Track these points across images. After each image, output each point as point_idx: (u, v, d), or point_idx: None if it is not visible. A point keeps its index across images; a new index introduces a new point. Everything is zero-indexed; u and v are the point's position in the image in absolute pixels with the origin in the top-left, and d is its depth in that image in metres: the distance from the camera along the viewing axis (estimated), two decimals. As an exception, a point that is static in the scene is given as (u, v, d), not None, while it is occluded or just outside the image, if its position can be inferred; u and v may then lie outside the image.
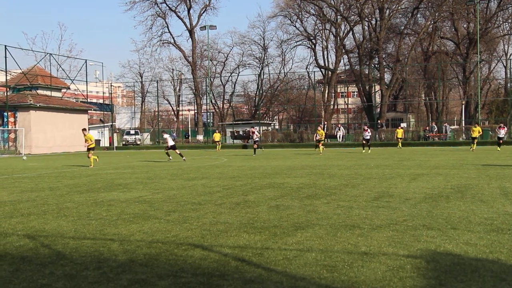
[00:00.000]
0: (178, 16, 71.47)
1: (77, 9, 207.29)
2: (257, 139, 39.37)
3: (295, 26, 76.46)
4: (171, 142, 31.15)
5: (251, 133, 41.56)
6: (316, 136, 39.63)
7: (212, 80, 79.42)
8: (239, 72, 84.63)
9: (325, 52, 78.28)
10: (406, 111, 75.73)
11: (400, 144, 45.61)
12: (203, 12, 71.20)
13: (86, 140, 26.75)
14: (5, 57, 49.90)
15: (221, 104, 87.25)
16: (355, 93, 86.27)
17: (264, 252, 6.57)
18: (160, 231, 8.16)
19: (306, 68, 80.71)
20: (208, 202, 11.38)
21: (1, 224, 9.15)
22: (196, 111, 74.30)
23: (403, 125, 58.69)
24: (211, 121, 74.12)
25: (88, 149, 26.56)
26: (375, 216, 9.01)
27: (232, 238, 7.47)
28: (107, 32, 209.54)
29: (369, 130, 39.10)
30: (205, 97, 75.16)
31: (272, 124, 77.86)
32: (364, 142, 38.86)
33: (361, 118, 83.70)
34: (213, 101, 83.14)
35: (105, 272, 5.81)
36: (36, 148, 49.93)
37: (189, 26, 71.17)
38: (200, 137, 68.85)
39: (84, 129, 28.47)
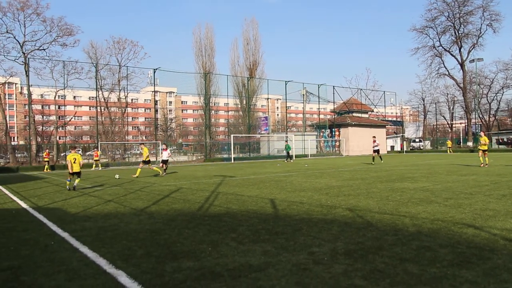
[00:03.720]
0: (451, 54, 65.34)
1: (377, 57, 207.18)
2: (377, 148, 26.96)
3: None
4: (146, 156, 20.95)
5: (373, 142, 27.34)
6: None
7: (479, 100, 70.48)
8: (503, 93, 73.18)
9: None
10: None
11: None
12: (472, 49, 63.67)
13: (143, 154, 20.41)
14: (333, 94, 53.03)
15: (487, 118, 76.72)
16: None
17: (528, 235, 5.56)
18: (440, 212, 7.60)
19: None
20: (478, 193, 10.13)
21: (332, 200, 9.68)
22: (466, 124, 67.23)
23: None
24: (479, 131, 66.34)
25: (144, 162, 20.39)
26: None
27: (500, 222, 6.50)
28: (400, 70, 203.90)
29: None
30: (473, 113, 67.10)
31: (534, 132, 65.11)
32: None
33: None
34: (480, 115, 73.71)
35: (400, 238, 5.67)
36: (352, 151, 51.50)
37: (460, 61, 64.45)
38: (469, 144, 61.86)
39: (142, 143, 21.75)
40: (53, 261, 5.03)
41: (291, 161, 35.69)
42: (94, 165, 32.36)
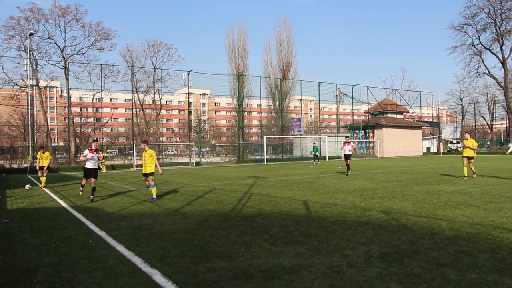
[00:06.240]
0: (492, 52, 62.75)
1: (412, 56, 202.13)
2: (349, 153, 19.80)
3: None
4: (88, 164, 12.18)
5: (344, 145, 20.18)
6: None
7: (521, 99, 67.66)
8: (549, 90, 69.97)
9: None
10: None
11: None
12: (515, 47, 61.30)
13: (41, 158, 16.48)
14: (367, 94, 52.26)
15: (531, 118, 73.54)
16: None
17: None
18: (479, 216, 7.33)
19: None
20: (521, 197, 9.72)
21: (366, 202, 9.51)
22: (508, 125, 64.60)
23: None
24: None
25: (48, 168, 16.53)
26: None
27: (544, 227, 6.22)
28: (436, 70, 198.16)
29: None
30: (514, 113, 64.44)
31: None
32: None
33: None
34: (521, 115, 70.79)
35: (437, 242, 5.52)
36: (386, 153, 50.47)
37: (501, 59, 61.87)
38: (511, 145, 59.43)
39: (42, 147, 17.67)
40: (91, 258, 5.20)
41: (317, 162, 34.27)
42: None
